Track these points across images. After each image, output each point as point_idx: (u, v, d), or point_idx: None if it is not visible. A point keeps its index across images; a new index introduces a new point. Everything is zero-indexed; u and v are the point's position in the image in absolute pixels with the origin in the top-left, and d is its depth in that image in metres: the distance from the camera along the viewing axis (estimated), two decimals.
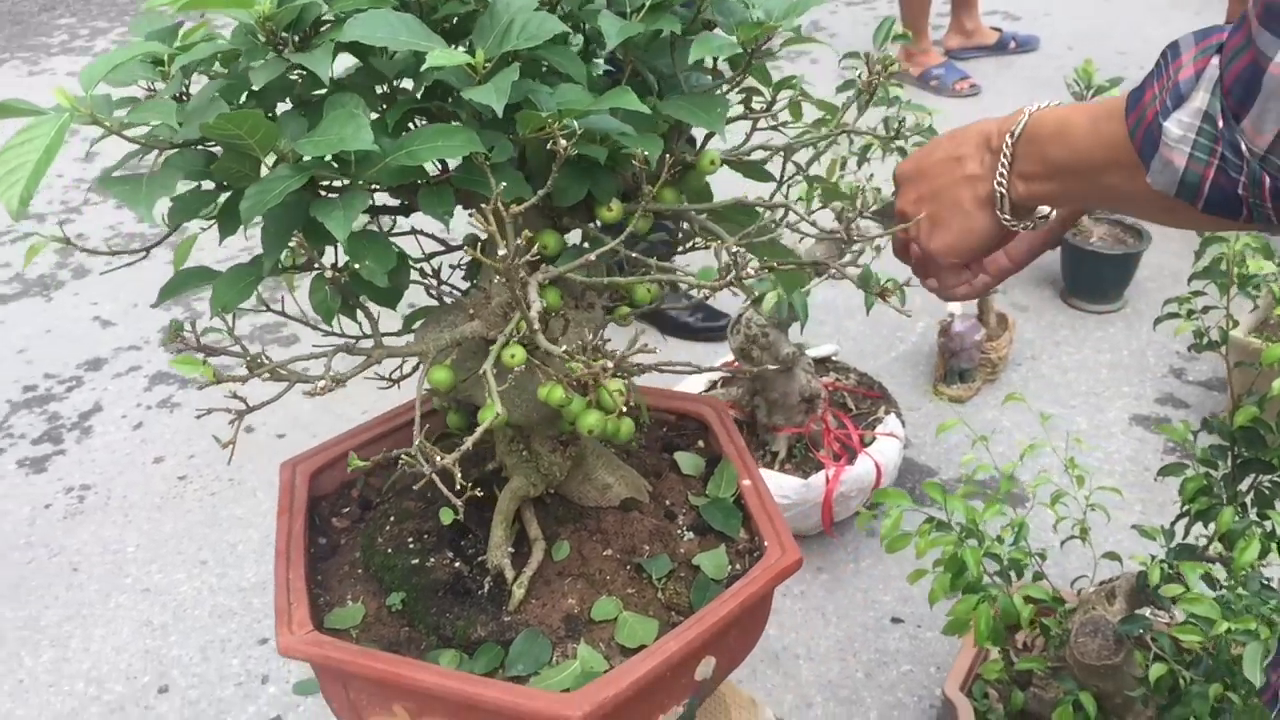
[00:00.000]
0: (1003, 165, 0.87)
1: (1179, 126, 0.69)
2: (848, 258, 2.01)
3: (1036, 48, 4.69)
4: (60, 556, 2.35)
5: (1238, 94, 0.65)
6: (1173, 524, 1.65)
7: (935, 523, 1.59)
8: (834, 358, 2.50)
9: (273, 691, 2.02)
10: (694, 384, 2.34)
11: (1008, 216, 0.90)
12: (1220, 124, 0.67)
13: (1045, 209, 0.93)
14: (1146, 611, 1.60)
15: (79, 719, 1.99)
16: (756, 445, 2.25)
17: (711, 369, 1.17)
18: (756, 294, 1.97)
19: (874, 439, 2.23)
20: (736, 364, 2.19)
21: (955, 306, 2.63)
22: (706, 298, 1.07)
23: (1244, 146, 0.66)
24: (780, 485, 2.13)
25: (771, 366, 2.10)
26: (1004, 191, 0.89)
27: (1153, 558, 1.66)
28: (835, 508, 2.17)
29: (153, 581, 2.29)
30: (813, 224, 0.97)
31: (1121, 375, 2.73)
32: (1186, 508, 1.61)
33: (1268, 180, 0.65)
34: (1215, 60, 0.68)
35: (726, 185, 1.16)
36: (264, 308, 1.09)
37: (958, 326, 2.61)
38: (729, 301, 2.96)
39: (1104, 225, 2.95)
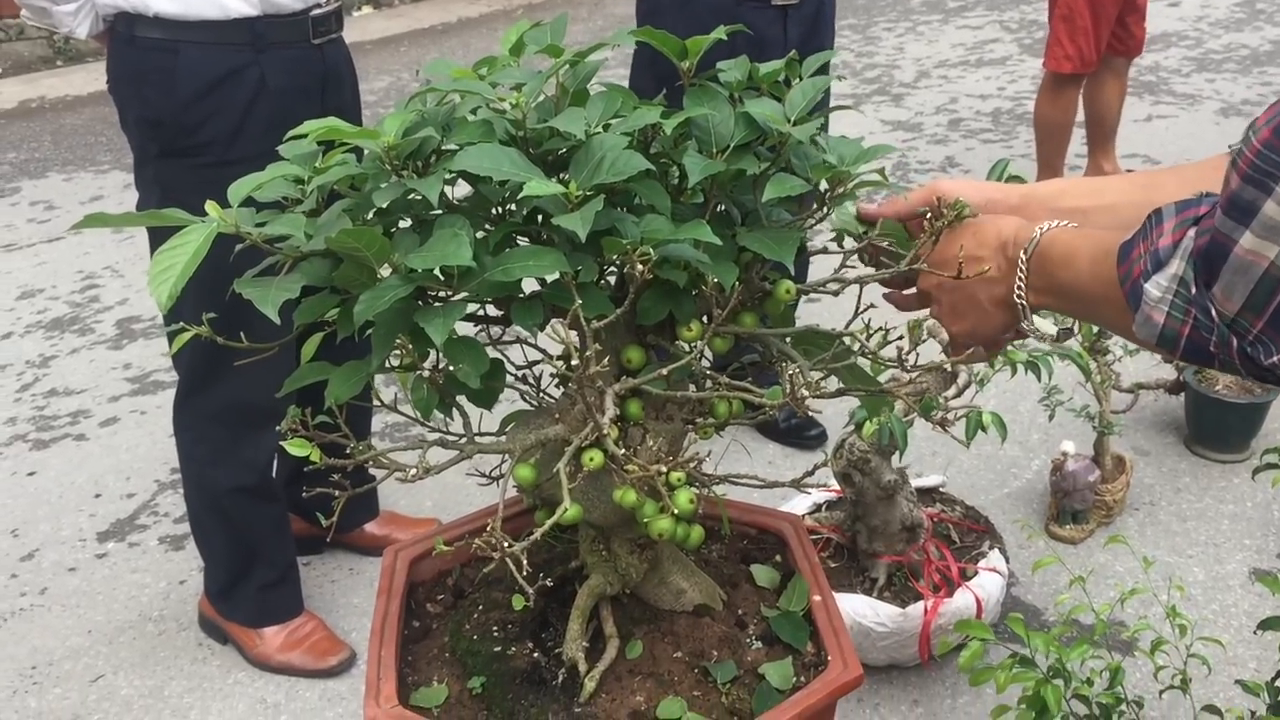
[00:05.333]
0: (1020, 279, 0.96)
1: (1158, 289, 0.78)
2: (952, 390, 2.05)
3: None
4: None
5: (1204, 267, 0.74)
6: (1273, 679, 1.61)
7: (1019, 658, 1.59)
8: (941, 489, 2.51)
9: None
10: (798, 505, 2.38)
11: (1030, 324, 0.99)
12: (1193, 290, 0.76)
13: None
14: None
15: None
16: (856, 571, 2.27)
17: (777, 484, 1.22)
18: (856, 419, 2.02)
19: (975, 573, 2.23)
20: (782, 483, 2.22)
21: (1069, 445, 2.61)
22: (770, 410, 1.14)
23: (1214, 311, 0.74)
24: (878, 612, 2.14)
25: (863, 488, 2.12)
26: (1024, 303, 0.97)
27: (1253, 714, 1.62)
28: (934, 640, 2.16)
29: None
30: (873, 354, 1.03)
31: (1244, 527, 2.66)
32: None
33: (1235, 341, 0.74)
34: (1191, 232, 0.77)
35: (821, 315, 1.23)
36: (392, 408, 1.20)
37: (1071, 465, 2.58)
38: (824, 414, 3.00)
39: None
